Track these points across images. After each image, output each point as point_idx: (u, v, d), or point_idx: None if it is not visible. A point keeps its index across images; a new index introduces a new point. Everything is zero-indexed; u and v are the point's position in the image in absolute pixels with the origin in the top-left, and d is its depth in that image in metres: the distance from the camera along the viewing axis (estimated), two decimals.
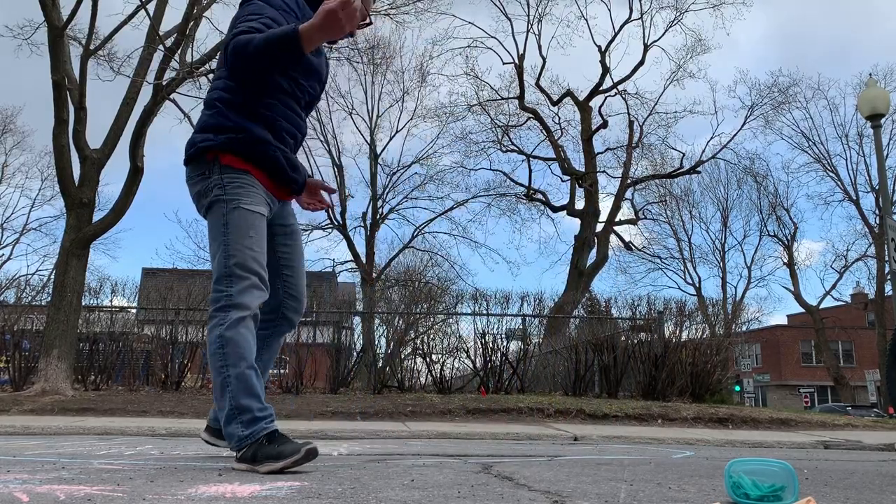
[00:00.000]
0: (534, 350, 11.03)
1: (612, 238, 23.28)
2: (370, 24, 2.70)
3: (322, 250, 74.96)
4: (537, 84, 22.43)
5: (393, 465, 2.62)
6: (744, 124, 24.22)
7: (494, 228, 60.25)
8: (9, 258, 31.43)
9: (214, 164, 2.55)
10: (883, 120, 11.69)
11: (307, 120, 2.86)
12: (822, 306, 33.62)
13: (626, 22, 21.93)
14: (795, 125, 28.97)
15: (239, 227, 2.49)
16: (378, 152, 23.84)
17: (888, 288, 26.35)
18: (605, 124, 22.04)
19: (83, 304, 9.29)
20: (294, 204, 2.90)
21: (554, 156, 22.37)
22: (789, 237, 32.61)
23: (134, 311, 10.92)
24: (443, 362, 10.00)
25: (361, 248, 23.15)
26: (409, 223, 24.31)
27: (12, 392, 8.51)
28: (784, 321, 46.50)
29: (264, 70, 2.50)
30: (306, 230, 23.31)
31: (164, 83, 9.51)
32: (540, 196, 23.38)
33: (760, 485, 1.65)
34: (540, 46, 22.33)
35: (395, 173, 23.73)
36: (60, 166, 9.07)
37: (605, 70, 21.92)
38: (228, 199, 2.51)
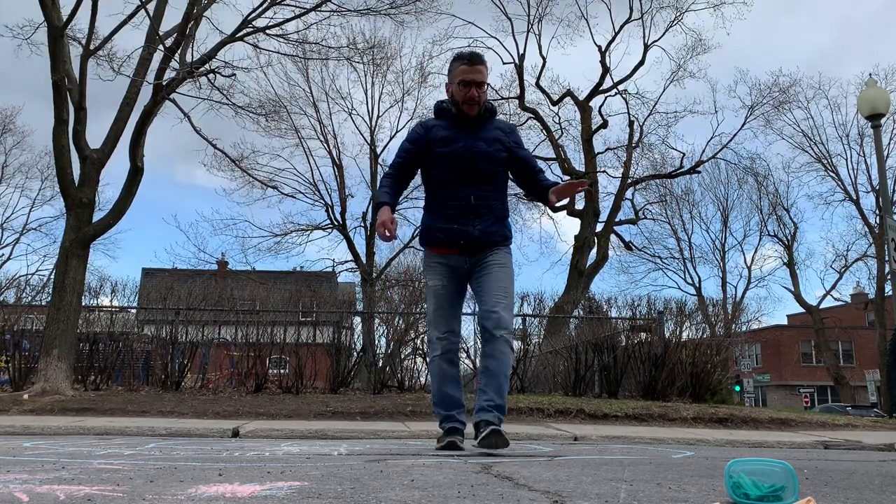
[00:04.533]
0: (534, 350, 11.03)
1: (612, 238, 23.28)
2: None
3: (322, 250, 75.10)
4: (537, 84, 22.42)
5: (393, 465, 2.61)
6: (744, 124, 24.19)
7: None
8: (9, 258, 31.41)
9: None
10: (883, 120, 11.69)
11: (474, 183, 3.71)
12: (822, 306, 33.61)
13: (627, 22, 21.92)
14: (796, 125, 28.91)
15: None
16: (378, 152, 23.84)
17: (888, 288, 26.34)
18: (605, 124, 22.03)
19: (83, 304, 9.29)
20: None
21: (554, 156, 22.35)
22: (789, 237, 32.58)
23: (134, 311, 10.92)
24: None
25: (361, 248, 23.14)
26: (410, 223, 24.29)
27: (12, 392, 8.50)
28: (784, 321, 46.49)
29: None
30: (306, 230, 23.32)
31: (164, 83, 9.51)
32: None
33: (760, 485, 1.65)
34: (540, 46, 22.32)
35: None
36: (60, 166, 9.07)
37: (606, 70, 21.91)
38: None
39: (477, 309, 3.84)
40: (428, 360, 3.86)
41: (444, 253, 3.75)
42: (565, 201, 3.83)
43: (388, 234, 3.50)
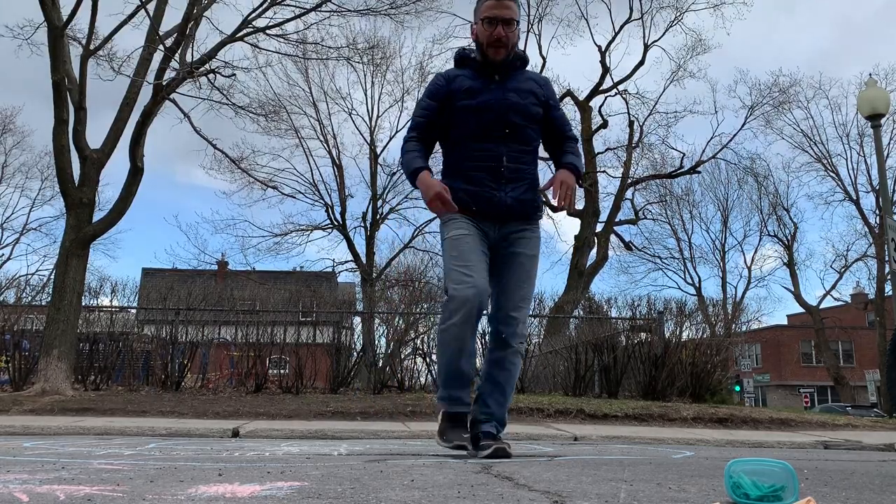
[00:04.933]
0: (534, 350, 11.03)
1: (612, 238, 23.30)
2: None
3: (322, 250, 75.16)
4: None
5: (393, 465, 2.61)
6: (744, 124, 24.28)
7: None
8: (9, 258, 31.44)
9: None
10: (883, 120, 11.70)
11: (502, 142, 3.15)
12: (822, 306, 33.62)
13: (627, 22, 21.94)
14: (796, 125, 28.95)
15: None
16: (378, 152, 23.86)
17: (888, 288, 26.34)
18: (605, 124, 22.06)
19: (83, 304, 9.29)
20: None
21: None
22: (789, 237, 32.60)
23: (134, 311, 10.92)
24: None
25: (361, 248, 23.16)
26: (410, 223, 24.32)
27: (12, 392, 8.50)
28: (784, 321, 46.50)
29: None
30: (306, 230, 23.32)
31: (164, 83, 9.51)
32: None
33: (760, 485, 1.64)
34: (540, 46, 22.33)
35: (395, 173, 23.72)
36: (60, 166, 9.08)
37: (606, 70, 21.94)
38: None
39: (489, 305, 3.21)
40: (441, 326, 3.03)
41: (469, 216, 3.12)
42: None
43: (441, 206, 2.95)
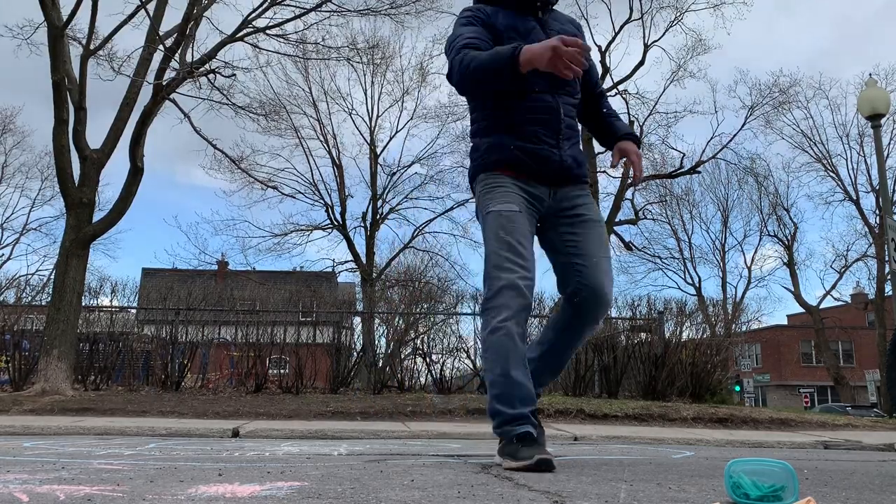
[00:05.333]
0: None
1: (612, 238, 23.30)
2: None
3: (322, 250, 75.25)
4: None
5: (393, 465, 2.61)
6: (744, 124, 24.28)
7: None
8: (9, 258, 31.45)
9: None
10: (883, 120, 11.70)
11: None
12: (822, 306, 33.63)
13: (627, 22, 21.94)
14: (796, 125, 28.97)
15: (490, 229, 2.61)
16: (378, 152, 23.88)
17: (888, 288, 26.34)
18: None
19: (83, 304, 9.29)
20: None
21: None
22: (789, 237, 32.61)
23: (134, 311, 10.92)
24: (443, 362, 10.01)
25: (361, 248, 23.18)
26: (410, 223, 24.35)
27: (12, 392, 8.50)
28: (784, 321, 46.52)
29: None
30: (306, 231, 23.33)
31: (164, 83, 9.51)
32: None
33: (760, 485, 1.65)
34: None
35: (395, 173, 23.79)
36: (60, 166, 9.08)
37: (606, 70, 21.93)
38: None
39: (563, 276, 2.73)
40: (484, 328, 2.52)
41: (522, 178, 2.63)
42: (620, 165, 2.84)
43: (569, 48, 2.30)
